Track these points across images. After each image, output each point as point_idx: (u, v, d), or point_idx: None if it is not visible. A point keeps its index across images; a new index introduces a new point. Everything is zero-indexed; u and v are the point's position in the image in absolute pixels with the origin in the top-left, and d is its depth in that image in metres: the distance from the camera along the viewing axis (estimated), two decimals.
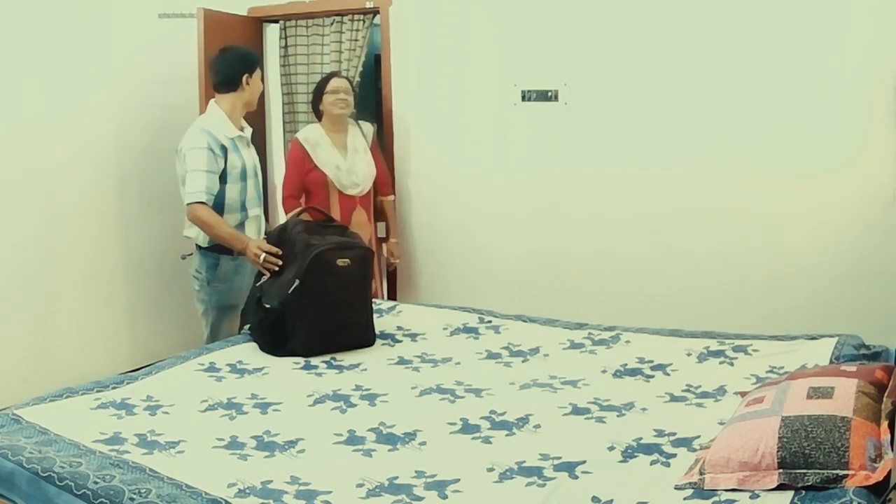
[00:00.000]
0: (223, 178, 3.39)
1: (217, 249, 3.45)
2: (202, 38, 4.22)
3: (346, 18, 4.58)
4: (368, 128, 4.17)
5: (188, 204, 3.31)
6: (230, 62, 3.49)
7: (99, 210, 4.26)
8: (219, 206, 3.37)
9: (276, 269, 3.02)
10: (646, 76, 3.79)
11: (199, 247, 3.50)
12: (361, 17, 4.52)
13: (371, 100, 5.01)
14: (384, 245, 4.36)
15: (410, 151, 4.45)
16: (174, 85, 4.46)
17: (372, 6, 4.43)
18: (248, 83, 3.46)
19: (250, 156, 3.52)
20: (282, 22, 4.78)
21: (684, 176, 3.76)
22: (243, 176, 3.44)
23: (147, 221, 4.47)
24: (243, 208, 3.46)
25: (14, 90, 3.82)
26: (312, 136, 3.99)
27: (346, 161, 3.99)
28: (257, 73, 3.51)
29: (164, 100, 4.46)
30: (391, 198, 4.30)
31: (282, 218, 3.99)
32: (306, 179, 3.96)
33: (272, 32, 4.89)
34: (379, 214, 4.28)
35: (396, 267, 4.41)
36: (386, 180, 4.27)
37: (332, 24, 4.63)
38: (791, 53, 3.49)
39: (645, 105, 3.81)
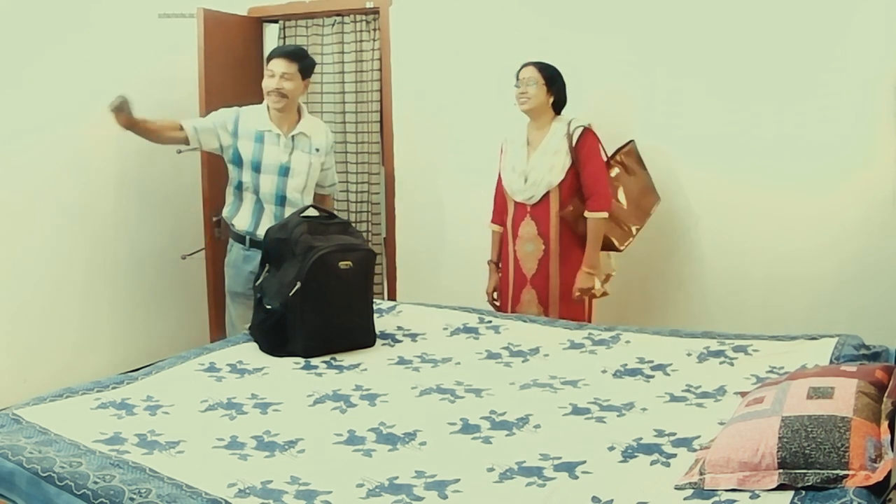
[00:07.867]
0: (237, 160, 3.52)
1: (232, 236, 3.62)
2: (202, 38, 4.22)
3: (346, 18, 4.59)
4: (578, 125, 3.44)
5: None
6: None
7: (99, 210, 4.26)
8: (237, 184, 3.55)
9: None
10: (645, 79, 3.79)
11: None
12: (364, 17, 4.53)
13: None
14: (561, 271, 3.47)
15: (410, 151, 4.45)
16: (174, 85, 4.45)
17: (372, 6, 4.43)
18: None
19: (279, 153, 3.50)
20: (282, 22, 4.78)
21: (684, 177, 3.76)
22: (257, 167, 3.50)
23: (147, 221, 4.47)
24: (258, 198, 3.52)
25: (13, 90, 3.83)
26: (513, 134, 3.59)
27: (528, 162, 3.47)
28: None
29: (165, 100, 4.45)
30: (598, 215, 3.40)
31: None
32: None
33: (272, 32, 4.89)
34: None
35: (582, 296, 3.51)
36: (595, 192, 3.41)
37: (332, 24, 4.64)
38: (792, 56, 3.49)
39: (644, 107, 3.81)
